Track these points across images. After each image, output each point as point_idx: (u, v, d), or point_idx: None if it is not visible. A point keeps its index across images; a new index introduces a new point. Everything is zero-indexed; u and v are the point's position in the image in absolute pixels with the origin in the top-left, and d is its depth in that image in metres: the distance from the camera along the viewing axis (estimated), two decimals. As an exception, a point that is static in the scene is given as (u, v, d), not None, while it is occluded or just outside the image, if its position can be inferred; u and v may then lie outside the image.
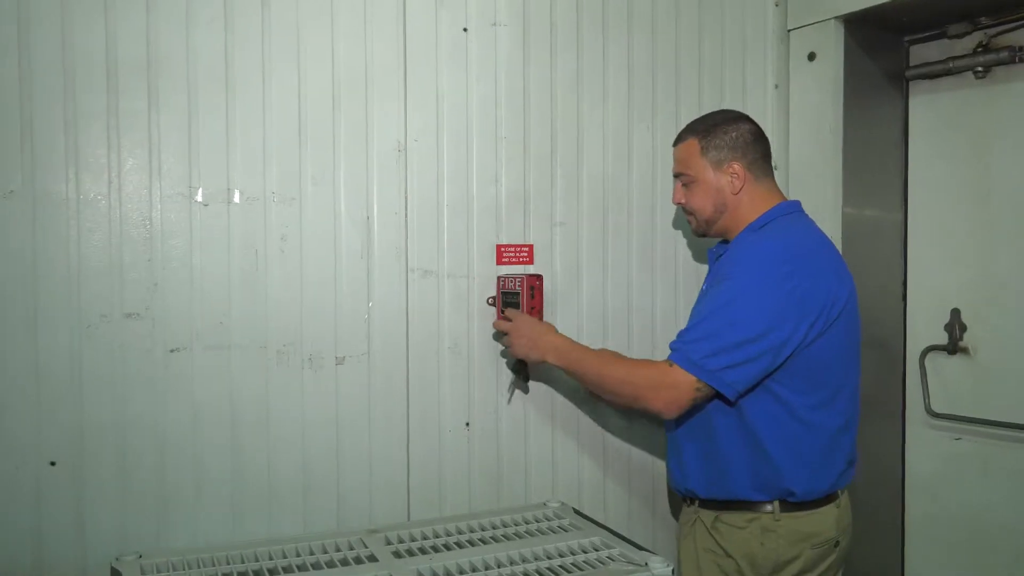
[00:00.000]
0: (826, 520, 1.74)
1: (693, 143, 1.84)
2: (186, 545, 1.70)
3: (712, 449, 1.75)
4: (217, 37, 1.75)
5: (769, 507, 1.71)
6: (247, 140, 1.78)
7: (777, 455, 1.68)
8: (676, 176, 1.91)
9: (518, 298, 1.95)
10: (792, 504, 1.71)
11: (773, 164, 1.90)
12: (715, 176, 1.81)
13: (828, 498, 1.75)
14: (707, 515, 1.79)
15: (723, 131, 1.81)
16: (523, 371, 2.03)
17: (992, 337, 2.33)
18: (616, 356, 1.79)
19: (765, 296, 1.61)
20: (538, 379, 2.10)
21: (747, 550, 1.72)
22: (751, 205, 1.81)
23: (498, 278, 2.02)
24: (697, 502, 1.82)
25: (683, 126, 1.93)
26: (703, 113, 1.98)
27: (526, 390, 2.08)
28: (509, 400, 2.06)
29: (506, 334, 1.92)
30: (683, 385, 1.62)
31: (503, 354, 2.04)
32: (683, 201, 1.89)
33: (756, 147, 1.82)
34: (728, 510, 1.75)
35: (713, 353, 1.60)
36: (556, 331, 1.88)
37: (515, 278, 1.97)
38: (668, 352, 1.67)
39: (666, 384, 1.63)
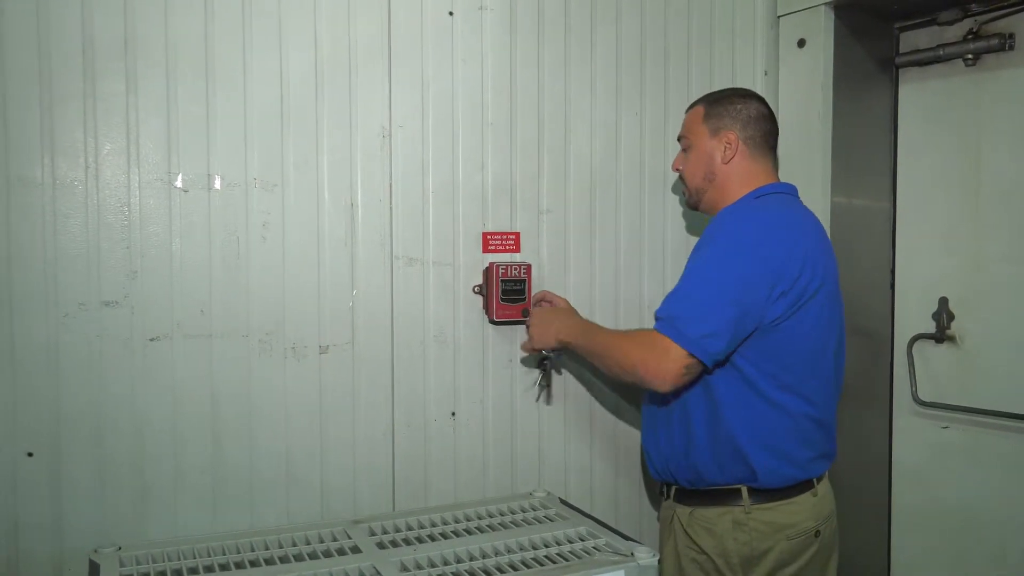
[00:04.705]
0: (802, 510, 1.70)
1: (700, 108, 1.85)
2: (166, 537, 1.67)
3: (680, 424, 1.73)
4: (197, 19, 1.71)
5: (740, 499, 1.68)
6: (228, 125, 1.75)
7: (738, 432, 1.66)
8: (679, 140, 1.92)
9: (523, 285, 1.98)
10: (762, 493, 1.68)
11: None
12: (710, 143, 1.81)
13: (802, 487, 1.71)
14: (682, 511, 1.76)
15: (729, 102, 1.81)
16: (546, 369, 2.05)
17: (979, 325, 2.33)
18: (617, 331, 1.79)
19: (739, 261, 1.59)
20: (528, 367, 2.09)
21: (721, 546, 1.69)
22: (741, 180, 1.78)
23: (492, 264, 1.99)
24: (673, 494, 1.80)
25: (671, 113, 1.91)
26: (691, 100, 1.97)
27: (547, 388, 2.09)
28: (537, 398, 2.08)
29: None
30: (673, 358, 1.56)
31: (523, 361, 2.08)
32: (680, 168, 1.90)
33: (758, 124, 1.80)
34: (701, 505, 1.73)
35: (695, 319, 1.57)
36: (571, 312, 1.95)
37: (518, 266, 1.99)
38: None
39: (658, 358, 1.58)
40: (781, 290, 1.60)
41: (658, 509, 2.20)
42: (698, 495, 1.74)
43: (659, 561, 1.53)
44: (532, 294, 2.01)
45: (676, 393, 1.71)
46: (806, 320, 1.63)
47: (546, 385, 2.07)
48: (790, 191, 1.82)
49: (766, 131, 1.81)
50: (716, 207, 1.81)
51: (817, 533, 1.72)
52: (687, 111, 1.91)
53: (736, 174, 1.79)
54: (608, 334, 1.79)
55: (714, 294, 1.59)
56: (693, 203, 1.90)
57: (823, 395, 1.72)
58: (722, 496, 1.71)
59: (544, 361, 2.04)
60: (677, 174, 1.96)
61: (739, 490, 1.69)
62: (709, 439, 1.69)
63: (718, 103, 1.82)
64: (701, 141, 1.82)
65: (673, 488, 1.81)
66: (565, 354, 2.04)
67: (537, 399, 2.09)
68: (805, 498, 1.71)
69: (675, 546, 1.78)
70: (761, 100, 1.84)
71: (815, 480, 1.73)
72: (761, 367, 1.64)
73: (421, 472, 1.97)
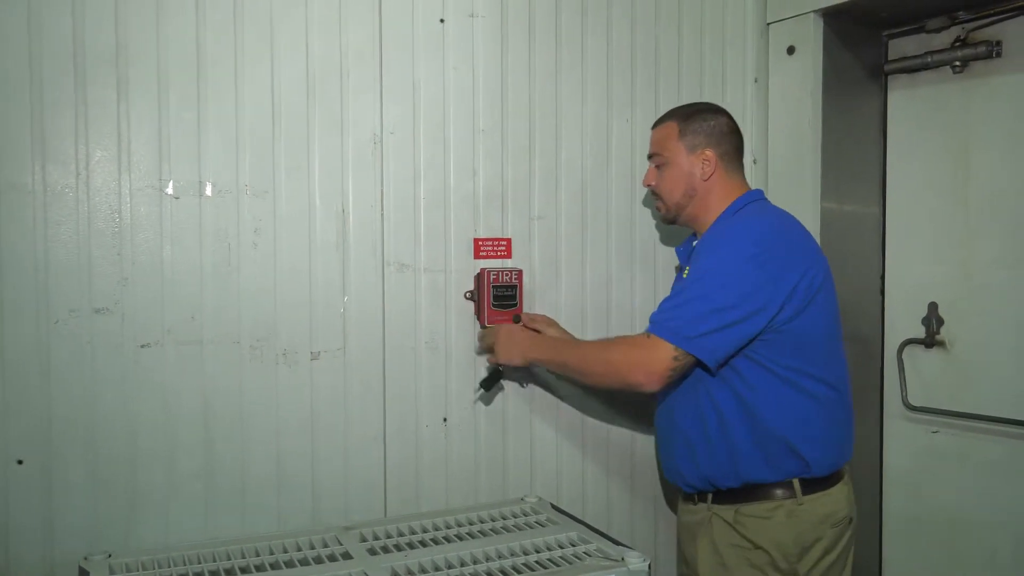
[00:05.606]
0: (840, 498, 1.77)
1: (672, 125, 1.88)
2: (157, 544, 1.67)
3: (719, 437, 1.74)
4: (188, 25, 1.72)
5: (788, 491, 1.72)
6: (219, 132, 1.75)
7: (782, 428, 1.70)
8: (650, 157, 1.95)
9: (515, 291, 1.98)
10: (810, 483, 1.72)
11: (752, 159, 1.92)
12: (688, 160, 1.85)
13: (838, 476, 1.78)
14: (725, 510, 1.76)
15: (702, 118, 1.86)
16: (495, 378, 2.02)
17: (968, 331, 2.34)
18: (594, 341, 1.84)
19: (739, 268, 1.65)
20: (517, 375, 2.09)
21: (777, 539, 1.71)
22: (720, 194, 1.84)
23: (483, 270, 1.99)
24: (709, 498, 1.79)
25: (663, 119, 1.94)
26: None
27: (490, 396, 2.06)
28: (481, 400, 2.05)
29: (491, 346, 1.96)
30: (661, 354, 1.63)
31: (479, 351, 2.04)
32: (653, 183, 1.93)
33: (731, 139, 1.87)
34: (747, 501, 1.74)
35: (690, 320, 1.63)
36: (532, 333, 1.95)
37: (509, 272, 1.99)
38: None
39: (644, 355, 1.65)
40: (786, 293, 1.64)
41: (674, 508, 2.20)
42: (741, 492, 1.75)
43: (649, 566, 1.54)
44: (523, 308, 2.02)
45: (704, 400, 1.74)
46: (817, 313, 1.70)
47: (485, 391, 2.02)
48: (763, 196, 1.90)
49: (736, 145, 1.88)
50: (697, 221, 1.88)
51: (850, 520, 1.79)
52: (655, 127, 1.94)
53: (716, 189, 1.85)
54: (583, 344, 1.88)
55: (715, 298, 1.63)
56: (670, 218, 1.94)
57: (843, 379, 1.80)
58: (768, 490, 1.73)
59: (499, 368, 2.00)
60: (647, 189, 1.99)
61: (790, 483, 1.72)
62: (754, 443, 1.71)
63: (692, 120, 1.86)
64: (678, 158, 1.86)
65: (710, 493, 1.80)
66: (539, 370, 2.05)
67: (478, 399, 2.04)
68: (840, 487, 1.78)
69: (712, 543, 1.77)
70: (726, 113, 1.90)
71: (844, 468, 1.81)
72: (786, 363, 1.69)
73: (413, 478, 1.97)
